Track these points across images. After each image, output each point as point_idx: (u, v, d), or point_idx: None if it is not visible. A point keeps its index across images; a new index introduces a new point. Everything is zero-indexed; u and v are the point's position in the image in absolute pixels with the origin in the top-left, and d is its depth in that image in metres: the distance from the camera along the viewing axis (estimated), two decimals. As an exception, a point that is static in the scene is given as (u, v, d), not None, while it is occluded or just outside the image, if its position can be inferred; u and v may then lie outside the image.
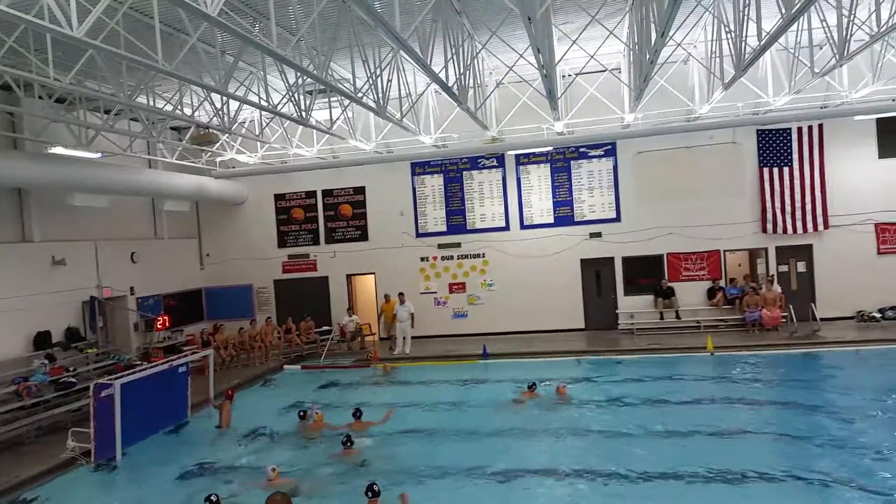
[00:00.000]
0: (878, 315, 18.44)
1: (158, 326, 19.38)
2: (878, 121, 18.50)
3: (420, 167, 21.59)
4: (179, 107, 14.83)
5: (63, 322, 16.54)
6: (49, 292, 16.13)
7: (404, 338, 19.61)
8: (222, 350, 18.80)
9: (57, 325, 16.29)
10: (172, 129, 20.70)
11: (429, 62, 10.48)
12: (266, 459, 10.90)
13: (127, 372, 12.90)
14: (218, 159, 21.09)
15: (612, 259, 20.53)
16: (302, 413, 13.04)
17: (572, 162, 20.69)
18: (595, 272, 20.68)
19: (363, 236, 22.16)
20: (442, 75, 12.01)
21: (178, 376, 13.74)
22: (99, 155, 16.19)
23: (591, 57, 15.26)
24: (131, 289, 18.99)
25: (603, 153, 20.46)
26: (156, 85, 14.45)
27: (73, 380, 14.57)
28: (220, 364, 18.06)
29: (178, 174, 19.97)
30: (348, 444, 10.84)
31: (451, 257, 21.60)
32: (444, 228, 21.62)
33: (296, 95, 14.30)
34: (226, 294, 22.67)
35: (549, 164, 20.84)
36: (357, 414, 12.41)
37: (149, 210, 20.83)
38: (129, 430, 11.82)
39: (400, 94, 15.52)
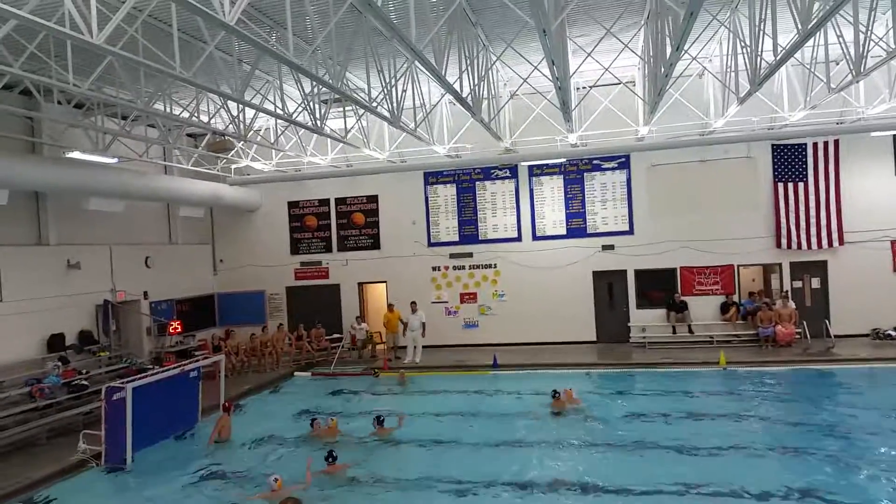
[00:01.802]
0: (894, 333, 18.21)
1: (171, 331, 19.49)
2: (895, 137, 18.35)
3: (433, 177, 21.65)
4: (196, 114, 15.00)
5: (77, 325, 16.70)
6: (63, 295, 16.32)
7: (415, 347, 19.60)
8: (233, 356, 18.88)
9: (71, 327, 16.45)
10: (189, 135, 20.89)
11: (443, 73, 10.54)
12: (275, 467, 10.91)
13: (139, 375, 12.98)
14: (233, 166, 21.24)
15: (624, 272, 20.44)
16: (313, 421, 13.01)
17: (585, 174, 20.67)
18: (607, 285, 20.60)
19: (375, 245, 22.22)
20: (456, 86, 12.07)
21: (190, 381, 13.78)
22: (115, 160, 16.37)
23: (606, 69, 15.26)
24: (145, 293, 19.13)
25: (616, 165, 20.42)
26: (173, 92, 14.61)
27: (85, 382, 14.67)
28: (231, 370, 18.13)
29: (193, 180, 20.16)
30: (330, 459, 10.55)
31: (463, 267, 21.60)
32: (456, 238, 21.64)
33: (311, 104, 14.41)
34: (238, 300, 22.78)
35: (562, 176, 20.83)
36: (380, 420, 12.57)
37: (164, 215, 21.02)
38: (139, 433, 11.86)
39: (414, 104, 15.60)
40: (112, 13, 7.73)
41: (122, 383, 11.92)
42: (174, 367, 13.77)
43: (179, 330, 19.83)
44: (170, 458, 12.02)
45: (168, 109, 14.31)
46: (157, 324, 19.24)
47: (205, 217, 22.80)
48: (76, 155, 15.19)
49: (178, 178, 20.10)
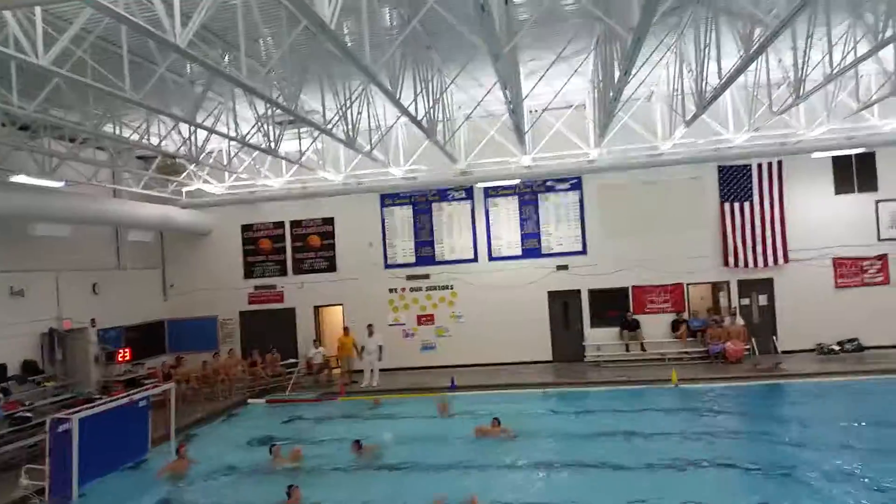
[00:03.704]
0: (837, 348, 18.84)
1: (119, 359, 18.92)
2: (834, 158, 19.13)
3: (389, 199, 21.65)
4: (146, 136, 14.73)
5: (20, 355, 16.07)
6: (6, 324, 15.69)
7: (371, 370, 19.43)
8: (184, 384, 18.38)
9: (13, 357, 15.82)
10: (139, 157, 20.48)
11: (398, 96, 10.62)
12: (230, 497, 10.64)
13: (85, 406, 12.54)
14: (184, 189, 20.84)
15: (578, 291, 20.72)
16: (272, 447, 12.71)
17: (540, 195, 20.96)
18: (562, 304, 20.84)
19: (331, 267, 22.04)
20: (411, 109, 12.16)
21: (139, 411, 13.37)
22: (63, 183, 15.91)
23: (557, 93, 15.58)
24: (92, 321, 18.52)
25: (569, 187, 20.77)
26: (123, 114, 14.33)
27: (28, 414, 14.12)
28: (182, 398, 17.62)
29: (143, 204, 19.71)
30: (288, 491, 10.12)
31: (420, 289, 21.58)
32: (412, 260, 21.64)
33: (265, 126, 14.32)
34: (189, 326, 22.24)
35: (517, 197, 21.08)
36: (358, 445, 12.41)
37: (112, 240, 20.47)
38: (86, 466, 11.42)
39: (370, 125, 15.64)
40: (59, 34, 7.59)
41: (68, 414, 11.51)
42: (123, 397, 13.35)
43: (128, 358, 19.27)
44: (120, 491, 11.63)
45: (118, 132, 14.03)
46: (104, 352, 18.65)
47: (154, 241, 22.30)
48: (22, 178, 14.70)
49: (127, 201, 19.62)
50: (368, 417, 16.23)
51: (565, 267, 20.75)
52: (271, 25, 10.74)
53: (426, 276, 21.52)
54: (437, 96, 14.19)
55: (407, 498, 10.35)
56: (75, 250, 18.44)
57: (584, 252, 20.70)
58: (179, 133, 15.21)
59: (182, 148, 15.54)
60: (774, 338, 19.07)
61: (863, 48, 10.94)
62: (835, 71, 11.67)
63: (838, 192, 19.49)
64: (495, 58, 8.93)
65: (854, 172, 19.35)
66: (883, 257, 19.28)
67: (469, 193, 21.25)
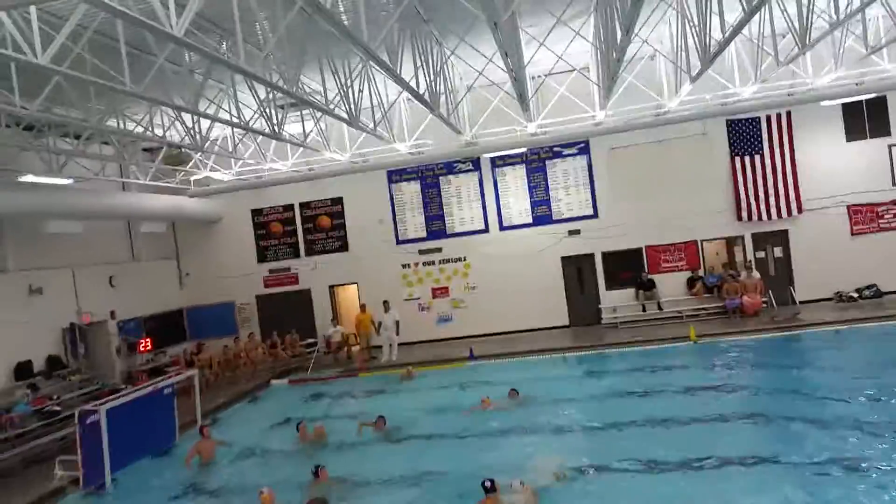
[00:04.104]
0: (856, 295, 18.75)
1: (141, 349, 19.20)
2: (844, 105, 18.83)
3: (397, 175, 21.62)
4: (150, 128, 14.75)
5: (44, 351, 16.36)
6: (28, 322, 15.94)
7: (390, 345, 19.60)
8: (207, 369, 18.65)
9: (38, 354, 16.10)
10: (145, 150, 20.54)
11: (398, 71, 10.53)
12: (258, 478, 10.83)
13: (112, 396, 12.77)
14: (192, 178, 20.92)
15: (592, 255, 20.69)
16: (299, 424, 12.89)
17: (547, 161, 20.84)
18: (576, 269, 20.83)
19: (343, 247, 22.14)
20: (412, 83, 12.07)
21: (164, 398, 13.61)
22: (70, 181, 16.03)
23: (560, 58, 15.39)
24: (111, 313, 18.77)
25: (577, 151, 20.63)
26: (125, 107, 14.34)
27: (57, 408, 14.40)
28: (206, 383, 17.91)
29: (152, 195, 19.84)
30: (316, 471, 10.14)
31: (433, 262, 21.64)
32: (424, 234, 21.66)
33: (267, 110, 14.29)
34: (207, 313, 22.49)
35: (524, 165, 20.97)
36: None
37: (125, 233, 20.66)
38: (117, 455, 11.70)
39: (372, 103, 15.54)
40: (56, 32, 7.58)
41: (96, 406, 11.74)
42: (147, 385, 13.58)
43: (150, 347, 19.55)
44: (151, 477, 11.89)
45: (121, 125, 14.05)
46: (126, 343, 18.92)
47: (167, 231, 22.48)
48: (30, 178, 14.83)
49: (136, 193, 19.76)
50: (391, 392, 16.38)
51: (577, 232, 20.70)
52: (266, 9, 10.65)
53: (438, 250, 21.55)
54: (438, 69, 14.06)
55: (425, 468, 10.49)
56: (90, 245, 18.65)
57: (595, 216, 20.62)
58: (182, 122, 15.21)
59: (186, 137, 15.55)
60: (792, 289, 18.99)
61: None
62: (841, 17, 11.42)
63: (850, 139, 19.22)
64: (494, 26, 8.83)
65: (865, 118, 19.06)
66: (898, 202, 19.07)
67: (476, 165, 21.16)
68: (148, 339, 19.60)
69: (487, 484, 8.20)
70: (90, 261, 18.54)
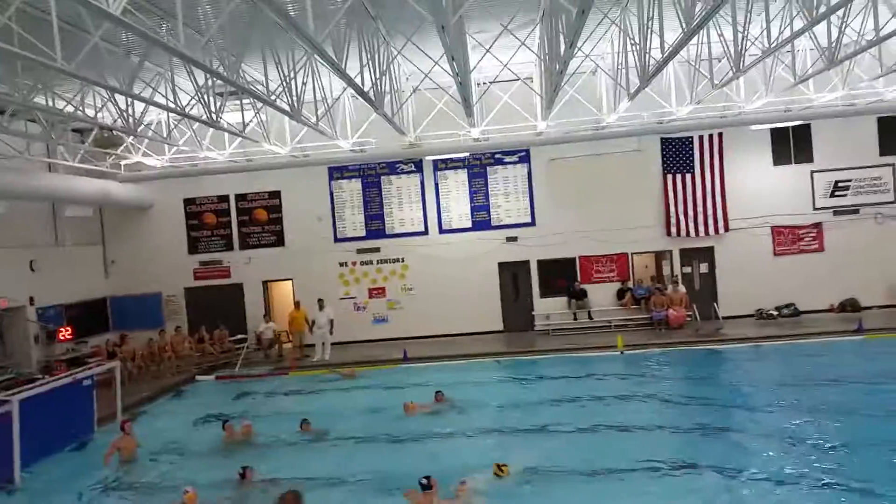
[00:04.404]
0: (775, 312, 19.61)
1: (61, 338, 18.40)
2: (772, 131, 19.80)
3: (338, 172, 21.43)
4: (81, 108, 14.17)
5: (-48, 336, 15.49)
6: (-64, 304, 15.09)
7: (323, 344, 19.37)
8: (130, 361, 18.00)
9: (-55, 339, 15.25)
10: (74, 130, 19.71)
11: (344, 67, 10.45)
12: (178, 476, 10.52)
13: (26, 386, 12.18)
14: (123, 162, 20.19)
15: (527, 262, 21.00)
16: (225, 423, 12.55)
17: (489, 168, 21.05)
18: (512, 275, 21.10)
19: (279, 241, 21.77)
20: (358, 80, 11.99)
21: (83, 390, 13.08)
22: (-8, 158, 15.26)
23: (504, 66, 15.59)
24: (31, 299, 17.92)
25: (518, 160, 20.91)
26: (56, 85, 13.73)
27: (-36, 397, 13.63)
28: (128, 376, 17.29)
29: (79, 178, 19.02)
30: (242, 472, 9.92)
31: (371, 262, 21.51)
32: (363, 233, 21.52)
33: (205, 97, 13.92)
34: (133, 303, 21.71)
35: (466, 170, 21.11)
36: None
37: (49, 216, 19.74)
38: (29, 448, 11.13)
39: (315, 97, 15.36)
40: (-18, 0, 7.21)
41: (8, 396, 11.17)
42: (65, 376, 13.02)
43: (70, 337, 18.75)
44: (65, 473, 11.39)
45: (50, 103, 13.44)
46: (45, 331, 18.10)
47: (94, 217, 21.61)
48: (-54, 153, 14.04)
49: (63, 175, 18.90)
50: (321, 391, 16.19)
51: (515, 239, 20.97)
52: (210, -7, 10.42)
53: (377, 250, 21.46)
54: (384, 68, 14.02)
55: (356, 469, 10.42)
56: (10, 227, 17.77)
57: (532, 224, 20.94)
58: (116, 104, 14.65)
59: (119, 120, 15.00)
60: (715, 304, 19.73)
61: (798, 24, 11.22)
62: (772, 45, 11.97)
63: (776, 162, 20.16)
64: (442, 29, 8.86)
65: (791, 144, 20.04)
66: (818, 225, 20.10)
67: (418, 166, 21.18)
68: (69, 328, 18.79)
69: (424, 481, 8.20)
70: (9, 243, 17.64)
